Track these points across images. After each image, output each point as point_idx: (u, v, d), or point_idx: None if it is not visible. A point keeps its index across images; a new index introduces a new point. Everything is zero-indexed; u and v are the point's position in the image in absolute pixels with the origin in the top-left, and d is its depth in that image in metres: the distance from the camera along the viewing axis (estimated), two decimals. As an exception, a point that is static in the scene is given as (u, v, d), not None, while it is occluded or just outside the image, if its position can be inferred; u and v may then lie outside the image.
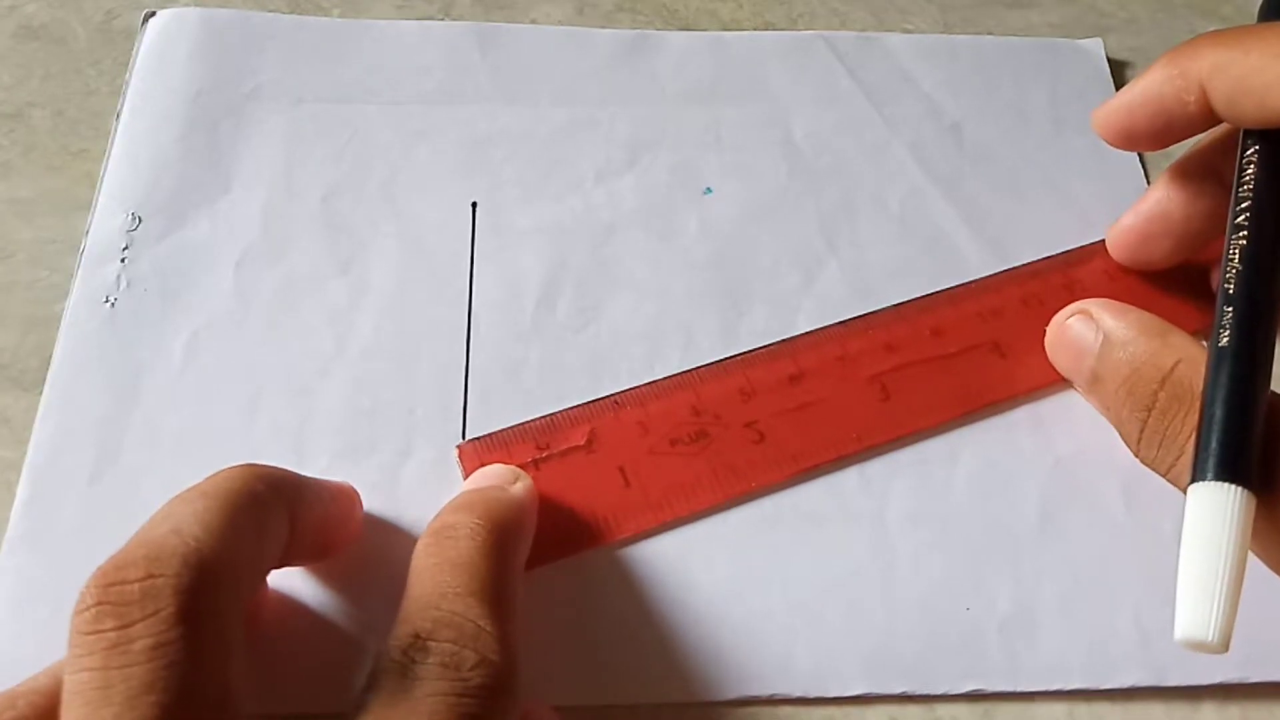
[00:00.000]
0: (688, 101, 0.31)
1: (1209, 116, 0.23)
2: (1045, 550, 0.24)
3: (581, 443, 0.24)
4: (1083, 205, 0.30)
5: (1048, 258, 0.28)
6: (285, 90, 0.30)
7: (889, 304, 0.27)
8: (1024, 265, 0.28)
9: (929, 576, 0.24)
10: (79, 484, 0.23)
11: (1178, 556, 0.19)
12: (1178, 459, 0.21)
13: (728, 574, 0.23)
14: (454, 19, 0.33)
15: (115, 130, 0.29)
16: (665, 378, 0.26)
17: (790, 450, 0.25)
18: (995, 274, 0.28)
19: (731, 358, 0.26)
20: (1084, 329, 0.24)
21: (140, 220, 0.27)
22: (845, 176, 0.30)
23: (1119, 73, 0.33)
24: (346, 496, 0.23)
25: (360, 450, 0.24)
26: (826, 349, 0.26)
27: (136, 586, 0.16)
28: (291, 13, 0.32)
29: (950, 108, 0.32)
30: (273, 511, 0.19)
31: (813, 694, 0.22)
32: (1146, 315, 0.24)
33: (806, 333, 0.27)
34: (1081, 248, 0.28)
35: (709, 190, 0.29)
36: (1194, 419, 0.20)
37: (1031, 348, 0.26)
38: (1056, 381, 0.26)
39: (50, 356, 0.25)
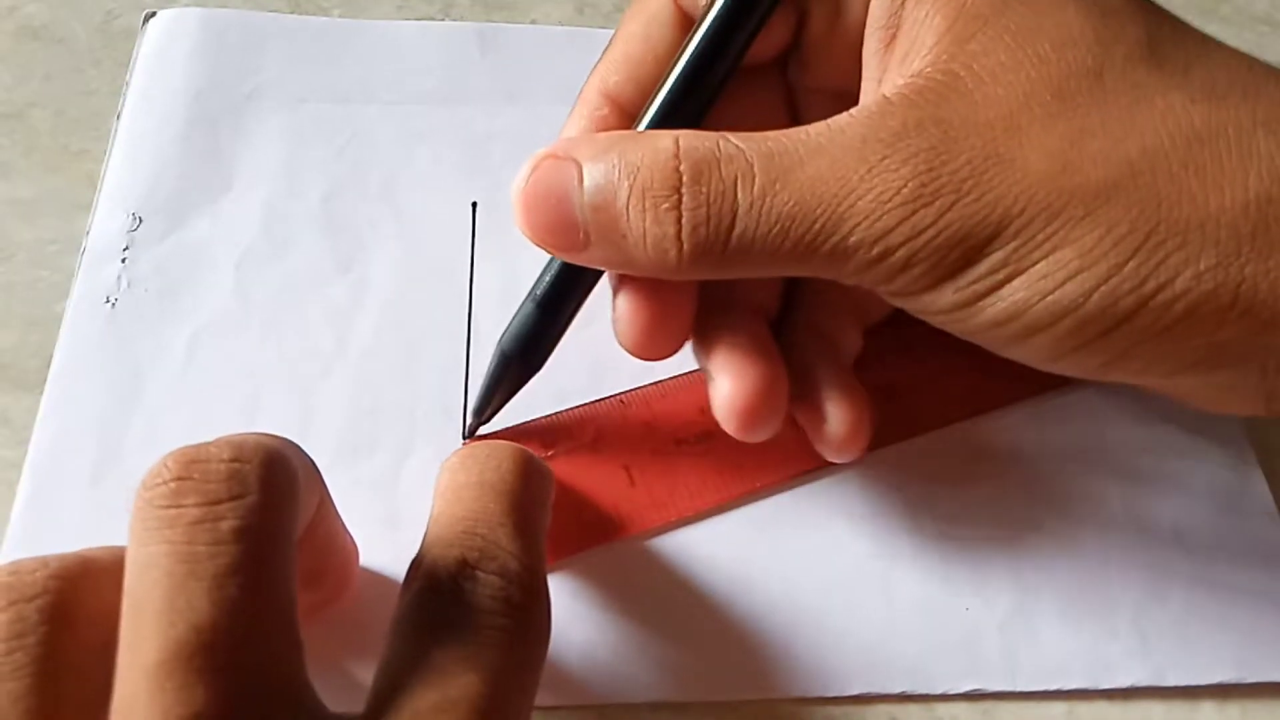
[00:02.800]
0: (688, 101, 0.31)
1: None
2: (1045, 550, 0.24)
3: (587, 442, 0.25)
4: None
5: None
6: (286, 90, 0.30)
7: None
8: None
9: (929, 576, 0.24)
10: (79, 484, 0.23)
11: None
12: (731, 215, 0.19)
13: (728, 574, 0.23)
14: (454, 19, 0.33)
15: (116, 130, 0.29)
16: (670, 378, 0.26)
17: (796, 451, 0.25)
18: None
19: None
20: (555, 172, 0.20)
21: (141, 220, 0.27)
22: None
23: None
24: (352, 540, 0.22)
25: (360, 450, 0.24)
26: None
27: (223, 467, 0.16)
28: (292, 13, 0.32)
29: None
30: (311, 471, 0.19)
31: (813, 694, 0.22)
32: (611, 133, 0.21)
33: None
34: None
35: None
36: (734, 166, 0.19)
37: None
38: (1068, 383, 0.26)
39: (51, 357, 0.25)
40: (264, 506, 0.16)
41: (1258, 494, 0.25)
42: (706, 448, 0.25)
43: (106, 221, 0.27)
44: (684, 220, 0.19)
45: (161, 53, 0.30)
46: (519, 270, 0.27)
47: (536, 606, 0.18)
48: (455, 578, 0.17)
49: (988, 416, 0.26)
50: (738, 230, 0.19)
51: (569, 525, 0.23)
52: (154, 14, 0.31)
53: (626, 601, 0.23)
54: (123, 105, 0.29)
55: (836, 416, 0.23)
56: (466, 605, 0.17)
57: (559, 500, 0.23)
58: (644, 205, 0.20)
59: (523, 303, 0.23)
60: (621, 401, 0.25)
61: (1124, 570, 0.24)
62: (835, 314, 0.24)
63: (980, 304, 0.19)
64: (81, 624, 0.16)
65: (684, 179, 0.19)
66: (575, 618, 0.23)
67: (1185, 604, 0.23)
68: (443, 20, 0.32)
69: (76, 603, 0.16)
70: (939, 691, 0.22)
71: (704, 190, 0.19)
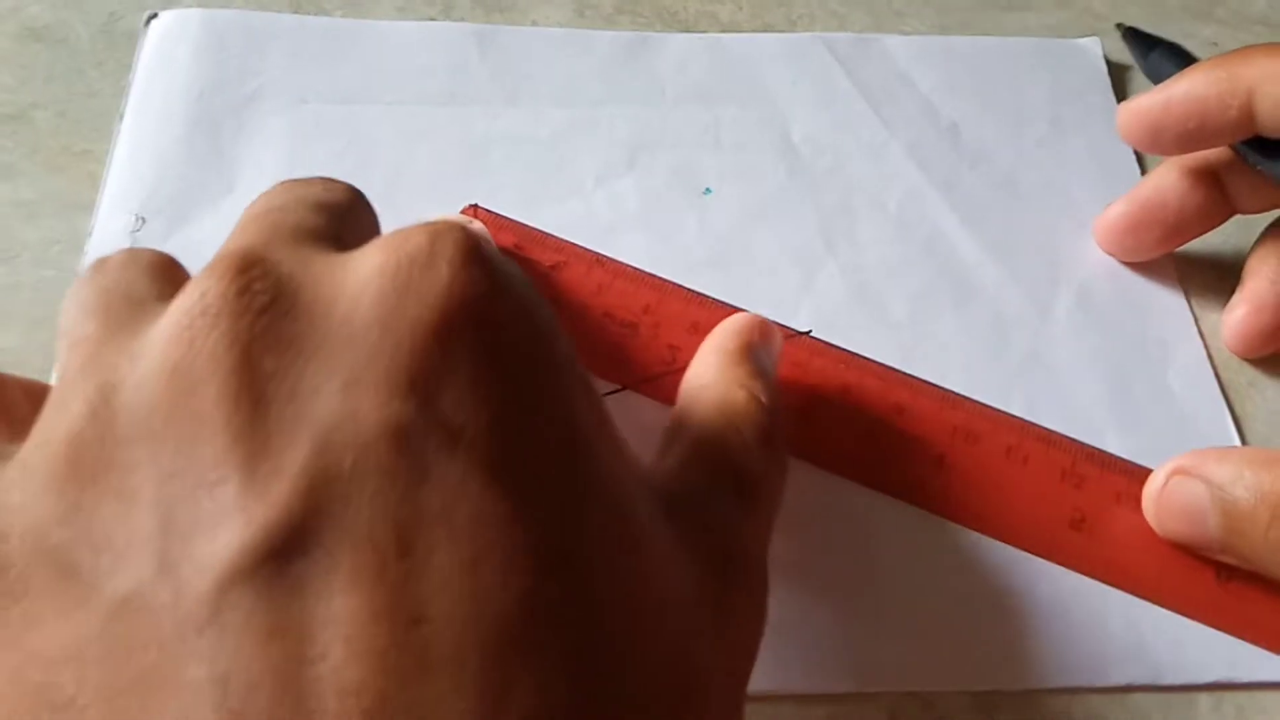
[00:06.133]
0: (687, 102, 0.31)
1: (1247, 125, 0.23)
2: (1042, 548, 0.24)
3: (549, 265, 0.27)
4: (1079, 205, 0.30)
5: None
6: (287, 91, 0.30)
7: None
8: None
9: (929, 576, 0.24)
10: (83, 483, 0.23)
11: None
12: None
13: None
14: (454, 20, 0.33)
15: (118, 131, 0.29)
16: (717, 300, 0.27)
17: None
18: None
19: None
20: (1186, 488, 0.22)
21: (143, 221, 0.27)
22: (844, 177, 0.30)
23: (1119, 75, 0.33)
24: None
25: (363, 449, 0.25)
26: (891, 395, 0.26)
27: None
28: (294, 13, 0.32)
29: (948, 108, 0.32)
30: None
31: (812, 691, 0.22)
32: (1246, 449, 0.23)
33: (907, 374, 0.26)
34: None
35: (709, 190, 0.30)
36: None
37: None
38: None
39: (54, 357, 0.25)
40: None
41: (1253, 492, 0.25)
42: (632, 335, 0.26)
43: (109, 222, 0.27)
44: None
45: (163, 54, 0.30)
46: (520, 270, 0.28)
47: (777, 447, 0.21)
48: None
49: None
50: None
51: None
52: (156, 15, 0.31)
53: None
54: (125, 106, 0.29)
55: None
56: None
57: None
58: None
59: None
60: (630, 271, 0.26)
61: (1120, 568, 0.24)
62: None
63: None
64: None
65: None
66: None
67: (1181, 601, 0.24)
68: (443, 21, 0.33)
69: None
70: (939, 690, 0.23)
71: None
